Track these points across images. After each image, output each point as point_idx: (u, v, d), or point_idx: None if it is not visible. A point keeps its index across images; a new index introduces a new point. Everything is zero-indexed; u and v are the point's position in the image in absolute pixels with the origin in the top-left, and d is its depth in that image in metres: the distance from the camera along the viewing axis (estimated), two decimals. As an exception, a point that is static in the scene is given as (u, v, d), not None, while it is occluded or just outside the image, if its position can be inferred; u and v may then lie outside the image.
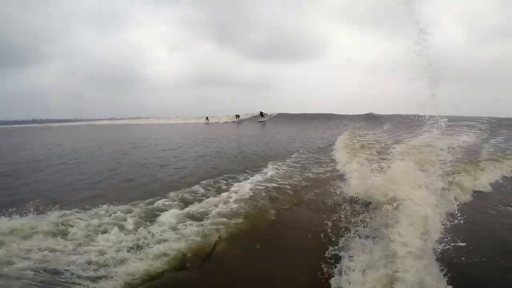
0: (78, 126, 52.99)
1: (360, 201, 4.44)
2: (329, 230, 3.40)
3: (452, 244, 2.79)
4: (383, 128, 17.38)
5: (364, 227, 3.30)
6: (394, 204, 3.47)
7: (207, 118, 38.12)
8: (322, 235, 3.30)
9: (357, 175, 5.54)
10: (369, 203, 4.27)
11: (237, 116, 36.23)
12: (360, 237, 3.09)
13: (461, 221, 3.07)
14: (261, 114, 31.95)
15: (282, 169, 6.66)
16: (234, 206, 4.23)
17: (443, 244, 2.73)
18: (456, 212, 3.18)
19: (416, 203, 3.19)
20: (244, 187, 5.07)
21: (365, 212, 3.89)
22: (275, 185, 5.37)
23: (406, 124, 16.33)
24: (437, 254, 2.59)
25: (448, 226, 3.02)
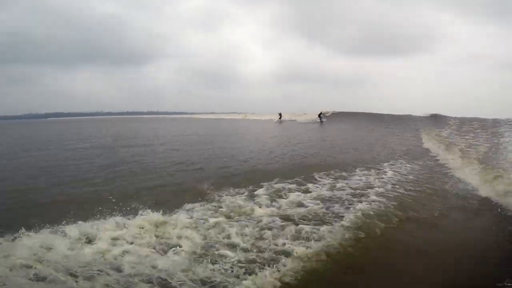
0: (188, 118, 62.85)
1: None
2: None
3: None
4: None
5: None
6: None
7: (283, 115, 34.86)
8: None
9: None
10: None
11: (280, 115, 34.06)
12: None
13: None
14: (320, 115, 29.72)
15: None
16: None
17: None
18: None
19: None
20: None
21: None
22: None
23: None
24: None
25: None
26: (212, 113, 74.53)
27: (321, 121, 28.55)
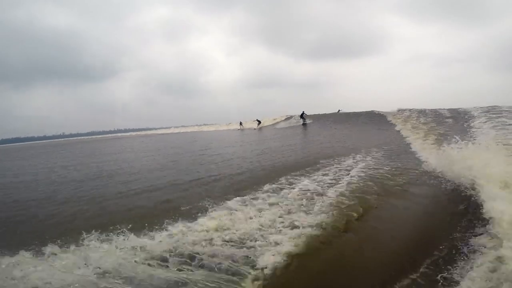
0: (154, 134, 59.26)
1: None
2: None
3: None
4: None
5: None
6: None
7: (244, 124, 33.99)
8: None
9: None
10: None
11: (241, 123, 33.50)
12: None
13: None
14: (302, 115, 25.54)
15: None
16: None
17: None
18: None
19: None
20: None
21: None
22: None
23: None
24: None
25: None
26: (182, 126, 71.65)
27: (304, 123, 24.07)
